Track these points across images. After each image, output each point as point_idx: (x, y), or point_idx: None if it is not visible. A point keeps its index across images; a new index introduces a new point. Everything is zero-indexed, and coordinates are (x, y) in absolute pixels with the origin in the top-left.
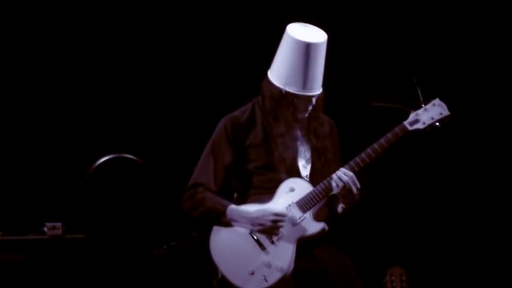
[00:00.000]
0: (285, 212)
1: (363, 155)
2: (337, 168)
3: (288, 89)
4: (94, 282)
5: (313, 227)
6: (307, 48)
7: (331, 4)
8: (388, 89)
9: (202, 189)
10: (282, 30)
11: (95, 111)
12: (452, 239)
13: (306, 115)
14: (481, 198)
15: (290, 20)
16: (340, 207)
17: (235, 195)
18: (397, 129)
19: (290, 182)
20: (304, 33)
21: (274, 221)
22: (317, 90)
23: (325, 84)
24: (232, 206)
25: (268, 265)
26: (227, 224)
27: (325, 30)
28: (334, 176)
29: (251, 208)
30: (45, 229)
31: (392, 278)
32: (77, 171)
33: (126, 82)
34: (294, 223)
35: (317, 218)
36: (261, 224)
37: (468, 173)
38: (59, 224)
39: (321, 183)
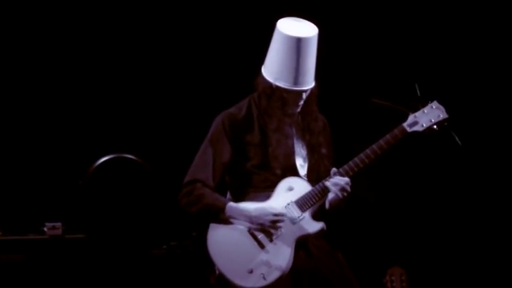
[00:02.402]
0: (285, 212)
1: (359, 158)
2: (330, 164)
3: (278, 83)
4: (94, 282)
5: (312, 226)
6: (297, 43)
7: (331, 4)
8: (388, 90)
9: (201, 185)
10: None
11: (94, 111)
12: (452, 239)
13: (297, 110)
14: (480, 197)
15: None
16: (327, 203)
17: (228, 193)
18: (396, 131)
19: (289, 181)
20: (294, 27)
21: (274, 221)
22: (308, 85)
23: (322, 82)
24: (232, 203)
25: (267, 264)
26: (225, 221)
27: (325, 30)
28: (328, 183)
29: (251, 206)
30: (45, 229)
31: (392, 278)
32: (77, 171)
33: (126, 82)
34: (293, 222)
35: (315, 217)
36: (260, 223)
37: (467, 173)
38: (59, 224)
39: (319, 183)
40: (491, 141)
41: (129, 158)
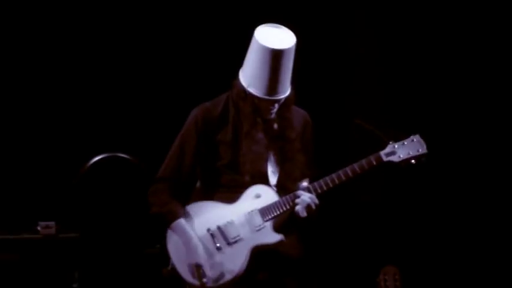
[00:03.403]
0: (205, 262)
1: (330, 177)
2: (309, 169)
3: (250, 89)
4: (88, 281)
5: (271, 237)
6: (272, 54)
7: (327, 21)
8: (381, 113)
9: (167, 186)
10: None
11: (89, 110)
12: (445, 238)
13: (272, 116)
14: (473, 197)
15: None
16: (295, 212)
17: (198, 184)
18: (371, 158)
19: (257, 188)
20: (271, 36)
21: (196, 267)
22: (281, 94)
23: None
24: (182, 221)
25: (221, 266)
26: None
27: (322, 48)
28: (299, 200)
29: (196, 234)
30: (39, 228)
31: (386, 277)
32: (71, 170)
33: (119, 81)
34: (254, 230)
35: (277, 229)
36: (188, 255)
37: (460, 173)
38: (52, 223)
39: (287, 196)
40: (486, 143)
41: (123, 157)
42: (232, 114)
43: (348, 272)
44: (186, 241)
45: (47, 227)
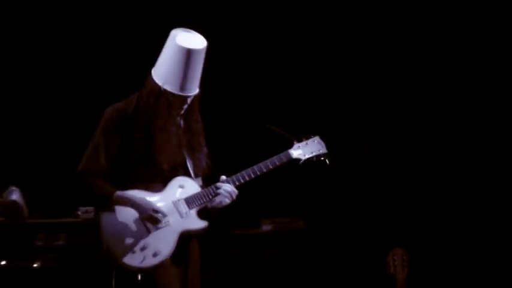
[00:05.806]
0: (164, 211)
1: (247, 172)
2: (209, 159)
3: (165, 87)
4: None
5: (197, 223)
6: (186, 54)
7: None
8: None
9: (92, 177)
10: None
11: (90, 111)
12: (451, 221)
13: (181, 112)
14: (480, 183)
15: None
16: (209, 204)
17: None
18: (282, 155)
19: (180, 180)
20: (186, 39)
21: (151, 216)
22: (192, 91)
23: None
24: (119, 192)
25: (151, 248)
26: (113, 208)
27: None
28: (221, 190)
29: (138, 194)
30: (79, 213)
31: (395, 257)
32: None
33: (121, 82)
34: (181, 216)
35: (201, 216)
36: (141, 213)
37: (467, 160)
38: (91, 208)
39: (209, 188)
40: (492, 132)
41: None
42: (142, 113)
43: (359, 254)
44: (133, 202)
45: (87, 211)
